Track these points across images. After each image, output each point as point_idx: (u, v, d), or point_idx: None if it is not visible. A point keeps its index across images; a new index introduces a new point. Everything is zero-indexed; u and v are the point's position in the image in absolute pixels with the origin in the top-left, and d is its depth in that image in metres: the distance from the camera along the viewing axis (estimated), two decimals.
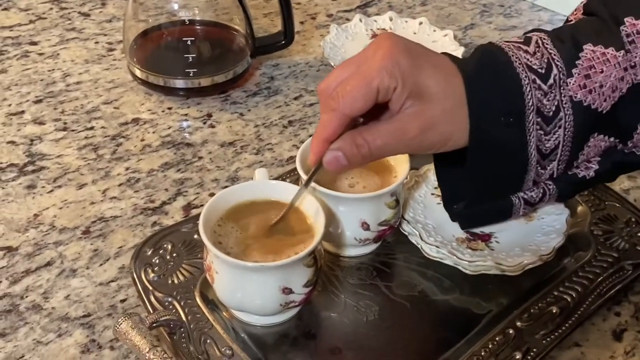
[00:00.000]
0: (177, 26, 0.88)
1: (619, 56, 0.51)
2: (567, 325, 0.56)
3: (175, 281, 0.59)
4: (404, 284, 0.61)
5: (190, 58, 0.84)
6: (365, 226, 0.59)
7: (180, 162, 0.76)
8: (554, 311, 0.57)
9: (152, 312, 0.55)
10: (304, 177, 0.58)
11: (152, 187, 0.72)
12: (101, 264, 0.63)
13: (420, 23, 0.97)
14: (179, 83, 0.85)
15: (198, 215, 0.55)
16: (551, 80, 0.50)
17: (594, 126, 0.52)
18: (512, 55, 0.51)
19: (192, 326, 0.55)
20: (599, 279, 0.59)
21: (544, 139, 0.51)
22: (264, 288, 0.53)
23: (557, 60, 0.51)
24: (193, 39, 0.85)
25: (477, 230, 0.63)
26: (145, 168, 0.75)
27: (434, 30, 0.96)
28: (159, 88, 0.86)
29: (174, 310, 0.56)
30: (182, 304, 0.57)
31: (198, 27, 0.89)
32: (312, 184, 0.57)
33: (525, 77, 0.50)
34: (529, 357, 0.53)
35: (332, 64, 0.89)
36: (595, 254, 0.61)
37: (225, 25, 0.90)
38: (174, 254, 0.61)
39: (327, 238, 0.61)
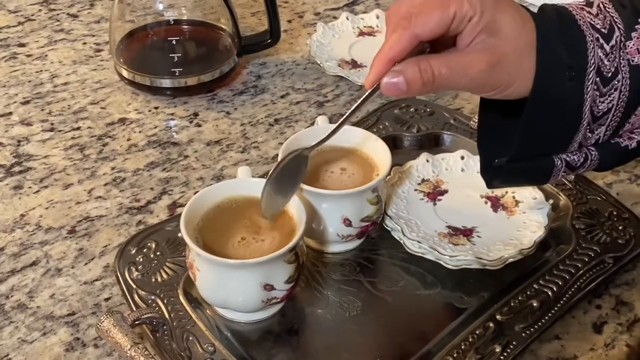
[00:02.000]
0: (163, 26, 0.88)
1: None
2: (546, 318, 0.56)
3: (159, 279, 0.59)
4: (387, 280, 0.61)
5: (176, 57, 0.84)
6: (348, 222, 0.59)
7: (166, 161, 0.76)
8: (534, 304, 0.57)
9: (135, 310, 0.56)
10: None
11: (137, 187, 0.73)
12: (86, 263, 0.64)
13: None
14: (166, 82, 0.86)
15: (182, 213, 0.55)
16: (613, 42, 0.50)
17: None
18: (577, 14, 0.50)
19: (174, 323, 0.56)
20: (580, 272, 0.60)
21: (599, 100, 0.50)
22: (246, 285, 0.54)
23: (619, 23, 0.50)
24: (178, 38, 0.86)
25: (459, 225, 0.64)
26: (131, 167, 0.75)
27: None
28: (146, 88, 0.87)
29: (157, 308, 0.57)
30: (165, 301, 0.57)
31: (184, 27, 0.89)
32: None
33: (590, 34, 0.50)
34: (508, 350, 0.54)
35: (319, 62, 0.89)
36: (577, 247, 0.62)
37: (211, 24, 0.90)
38: (158, 253, 0.61)
39: (310, 234, 0.62)
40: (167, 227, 0.64)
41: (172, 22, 0.87)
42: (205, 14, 0.90)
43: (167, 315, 0.56)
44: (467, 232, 0.63)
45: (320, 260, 0.63)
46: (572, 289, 0.58)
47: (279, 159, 0.59)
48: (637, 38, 0.50)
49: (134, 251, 0.61)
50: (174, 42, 0.85)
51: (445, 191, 0.67)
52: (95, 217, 0.69)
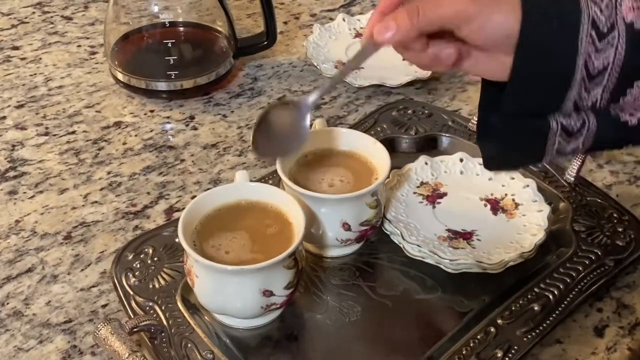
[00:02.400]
0: (158, 28, 0.87)
1: None
2: (548, 322, 0.56)
3: (157, 285, 0.59)
4: (387, 284, 0.61)
5: (172, 60, 0.84)
6: (347, 226, 0.59)
7: (162, 165, 0.76)
8: (535, 308, 0.57)
9: (132, 317, 0.55)
10: (284, 177, 0.58)
11: (133, 191, 0.72)
12: (82, 269, 0.63)
13: None
14: (161, 85, 0.85)
15: (177, 220, 0.54)
16: (607, 1, 0.50)
17: None
18: None
19: (173, 330, 0.55)
20: (581, 276, 0.59)
21: (594, 55, 0.50)
22: (244, 291, 0.53)
23: None
24: (174, 41, 0.85)
25: (459, 228, 0.63)
26: (127, 172, 0.75)
27: None
28: (141, 91, 0.86)
29: (154, 315, 0.56)
30: (163, 308, 0.57)
31: (179, 29, 0.88)
32: (293, 185, 0.57)
33: None
34: (510, 355, 0.53)
35: (315, 64, 0.89)
36: (577, 250, 0.61)
37: (207, 26, 0.89)
38: (155, 258, 0.61)
39: (309, 239, 0.61)
40: (164, 232, 0.63)
41: (168, 25, 0.87)
42: (201, 15, 0.89)
43: (165, 322, 0.56)
44: (467, 236, 0.62)
45: (319, 264, 0.62)
46: (573, 292, 0.58)
47: (277, 165, 0.59)
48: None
49: (130, 257, 0.61)
50: (169, 44, 0.85)
51: (445, 194, 0.67)
52: (91, 223, 0.68)
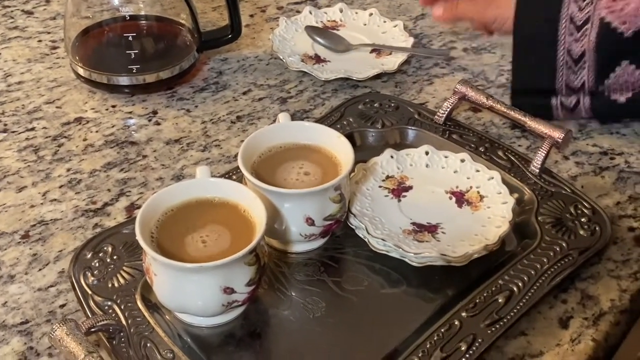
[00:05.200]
0: (119, 22, 0.85)
1: None
2: (512, 314, 0.55)
3: (116, 284, 0.57)
4: (352, 279, 0.60)
5: (133, 54, 0.82)
6: (310, 221, 0.58)
7: (123, 161, 0.74)
8: (500, 300, 0.56)
9: (90, 317, 0.53)
10: (246, 173, 0.57)
11: (94, 188, 0.70)
12: (40, 269, 0.61)
13: (371, 14, 0.97)
14: (123, 80, 0.83)
15: (137, 216, 0.53)
16: (588, 0, 0.66)
17: (621, 51, 0.66)
18: None
19: (132, 330, 0.54)
20: (545, 267, 0.59)
21: (574, 44, 0.66)
22: (205, 289, 0.52)
23: None
24: (135, 34, 0.83)
25: (424, 221, 0.63)
26: (87, 168, 0.73)
27: (384, 21, 0.96)
28: (103, 86, 0.84)
29: (113, 315, 0.55)
30: (122, 307, 0.55)
31: (141, 23, 0.86)
32: (255, 181, 0.57)
33: None
34: (474, 348, 0.53)
35: (282, 57, 0.88)
36: (541, 242, 0.61)
37: (170, 20, 0.88)
38: (115, 257, 0.59)
39: (273, 235, 0.60)
40: (124, 230, 0.62)
41: (129, 18, 0.85)
42: (164, 9, 0.88)
43: (124, 322, 0.54)
44: (432, 229, 0.62)
45: (283, 260, 0.61)
46: (538, 284, 0.58)
47: (239, 161, 0.58)
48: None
49: (89, 256, 0.59)
50: (130, 38, 0.83)
51: (410, 187, 0.66)
52: (50, 221, 0.67)
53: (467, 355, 0.53)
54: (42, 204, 0.69)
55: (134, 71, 0.83)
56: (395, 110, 0.76)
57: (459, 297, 0.58)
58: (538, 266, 0.59)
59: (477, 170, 0.66)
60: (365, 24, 0.96)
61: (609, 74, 0.67)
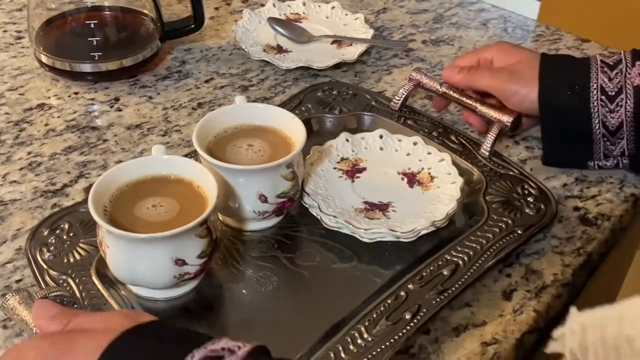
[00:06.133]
0: (83, 12, 0.87)
1: None
2: (457, 286, 0.57)
3: (71, 260, 0.58)
4: (305, 255, 0.62)
5: (95, 41, 0.83)
6: (263, 198, 0.60)
7: (84, 145, 0.75)
8: (445, 273, 0.58)
9: (43, 288, 0.54)
10: (200, 151, 0.59)
11: (53, 171, 0.71)
12: None
13: (333, 7, 0.98)
14: (86, 67, 0.84)
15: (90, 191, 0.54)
16: (617, 70, 0.65)
17: None
18: (590, 55, 0.68)
19: (86, 302, 0.55)
20: (490, 243, 0.61)
21: (610, 116, 0.65)
22: (156, 259, 0.53)
23: (627, 57, 0.66)
24: (97, 22, 0.84)
25: (376, 200, 0.64)
26: (48, 152, 0.74)
27: (346, 14, 0.98)
28: (66, 74, 0.85)
29: (68, 288, 0.56)
30: (77, 281, 0.56)
31: (104, 13, 0.88)
32: (208, 158, 0.58)
33: (595, 62, 0.66)
34: (418, 317, 0.55)
35: (244, 48, 0.89)
36: (489, 219, 0.63)
37: (132, 9, 0.89)
38: (71, 234, 0.60)
39: (227, 212, 0.62)
40: (81, 209, 0.63)
41: (92, 9, 0.86)
42: (129, 1, 0.89)
43: (78, 295, 0.55)
44: (383, 207, 0.64)
45: (238, 238, 0.63)
46: (483, 258, 0.60)
47: (193, 139, 0.59)
48: (639, 66, 0.65)
49: (46, 233, 0.60)
50: (92, 25, 0.84)
51: (364, 169, 0.68)
52: (9, 201, 0.67)
53: (412, 324, 0.54)
54: (1, 185, 0.69)
55: (96, 58, 0.84)
56: (353, 98, 0.78)
57: (407, 271, 0.59)
58: (483, 242, 0.61)
59: (429, 153, 0.68)
60: (327, 17, 0.98)
61: None
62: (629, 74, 0.65)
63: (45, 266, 0.57)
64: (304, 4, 0.99)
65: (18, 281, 0.59)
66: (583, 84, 0.65)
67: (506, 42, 0.75)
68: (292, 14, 0.98)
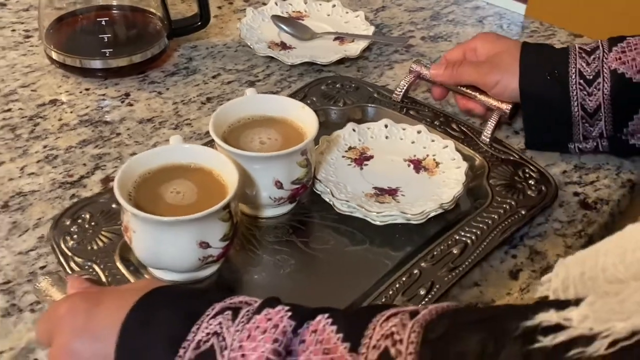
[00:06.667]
0: (92, 11, 0.89)
1: None
2: (467, 263, 0.60)
3: (95, 247, 0.60)
4: (319, 239, 0.64)
5: (106, 38, 0.85)
6: (279, 184, 0.62)
7: (98, 139, 0.78)
8: (455, 252, 0.61)
9: (72, 273, 0.57)
10: (217, 139, 0.61)
11: (70, 163, 0.73)
12: (20, 235, 0.64)
13: (334, 5, 1.01)
14: (96, 64, 0.86)
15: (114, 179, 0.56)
16: (594, 55, 0.68)
17: (638, 99, 0.67)
18: (569, 45, 0.71)
19: (112, 286, 0.57)
20: (496, 223, 0.64)
21: (587, 99, 0.67)
22: (181, 243, 0.55)
23: (603, 44, 0.68)
24: (108, 19, 0.87)
25: (385, 186, 0.67)
26: (64, 145, 0.76)
27: (347, 12, 1.00)
28: (77, 70, 0.87)
29: (94, 274, 0.58)
30: (102, 266, 0.59)
31: (113, 11, 0.90)
32: (225, 145, 0.60)
33: (573, 50, 0.69)
34: (432, 293, 0.58)
35: (249, 44, 0.92)
36: (493, 202, 0.66)
37: (140, 8, 0.91)
38: (93, 223, 0.62)
39: (244, 200, 0.64)
40: (101, 200, 0.65)
41: (101, 7, 0.88)
42: (135, 1, 0.91)
43: (104, 280, 0.58)
44: (392, 192, 0.67)
45: (254, 224, 0.65)
46: (490, 237, 0.63)
47: (210, 129, 0.62)
48: (617, 51, 0.67)
49: (68, 222, 0.62)
50: (103, 22, 0.87)
51: (371, 157, 0.71)
52: (29, 192, 0.69)
53: (427, 299, 0.57)
54: (20, 177, 0.71)
55: (107, 55, 0.86)
56: (356, 91, 0.81)
57: (418, 251, 0.62)
58: (489, 222, 0.64)
59: (433, 140, 0.71)
60: (328, 15, 1.01)
61: (627, 123, 0.68)
62: (606, 58, 0.67)
63: (69, 253, 0.60)
64: (305, 2, 1.02)
65: (42, 267, 0.61)
66: (562, 69, 0.68)
67: (489, 33, 0.79)
68: (294, 12, 1.01)
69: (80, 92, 0.85)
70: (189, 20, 0.93)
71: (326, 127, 0.76)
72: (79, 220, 0.63)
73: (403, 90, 0.77)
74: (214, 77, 0.89)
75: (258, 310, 0.42)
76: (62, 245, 0.60)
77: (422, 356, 0.36)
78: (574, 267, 0.36)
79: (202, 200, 0.58)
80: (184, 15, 0.99)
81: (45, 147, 0.76)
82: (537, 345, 0.32)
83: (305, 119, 0.65)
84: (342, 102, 0.80)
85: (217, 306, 0.43)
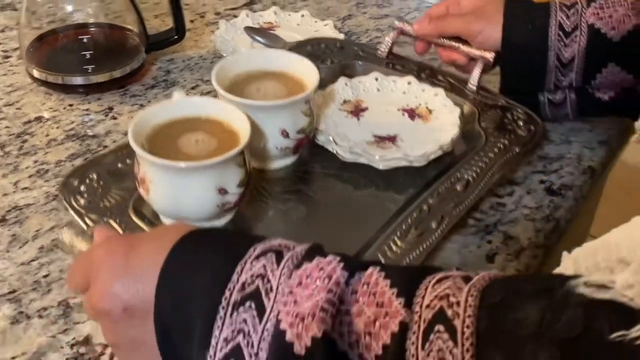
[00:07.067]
0: (72, 29, 0.91)
1: (630, 1, 0.70)
2: (471, 198, 0.63)
3: (107, 204, 0.60)
4: (325, 187, 0.66)
5: (87, 55, 0.87)
6: (285, 134, 0.64)
7: (86, 152, 0.77)
8: (458, 188, 0.64)
9: (92, 225, 0.56)
10: (222, 91, 0.62)
11: (61, 176, 0.72)
12: (20, 247, 0.63)
13: (302, 15, 1.06)
14: (78, 80, 0.88)
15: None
16: (574, 10, 0.72)
17: (609, 54, 0.70)
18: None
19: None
20: (494, 160, 0.67)
21: (564, 50, 0.71)
22: (201, 189, 0.56)
23: (582, 1, 0.72)
24: (88, 37, 0.89)
25: (384, 134, 0.70)
26: (53, 160, 0.76)
27: (315, 21, 1.05)
28: (59, 87, 0.88)
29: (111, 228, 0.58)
30: (117, 221, 0.58)
31: (92, 29, 0.92)
32: (231, 97, 0.62)
33: (554, 4, 0.72)
34: (443, 226, 0.60)
35: (225, 55, 0.95)
36: (487, 142, 0.69)
37: (118, 25, 0.94)
38: (101, 182, 0.62)
39: (251, 152, 0.65)
40: (105, 161, 0.65)
41: (81, 25, 0.90)
42: (111, 18, 0.94)
43: (122, 232, 0.57)
44: (392, 139, 0.69)
45: (262, 177, 0.66)
46: (490, 173, 0.65)
47: (214, 82, 0.63)
48: (595, 7, 0.71)
49: (76, 183, 0.62)
50: (84, 40, 0.88)
51: (366, 108, 0.73)
52: (24, 206, 0.69)
53: (438, 232, 0.59)
54: (14, 192, 0.71)
55: (88, 71, 0.88)
56: (341, 50, 0.84)
57: (423, 191, 0.64)
58: (487, 160, 0.67)
59: (423, 90, 0.74)
60: (298, 24, 1.05)
61: (596, 75, 0.72)
62: (584, 13, 0.72)
63: (83, 211, 0.59)
64: (275, 13, 1.06)
65: (45, 276, 0.60)
66: (543, 21, 0.72)
67: None
68: (264, 23, 1.05)
69: (64, 108, 0.86)
70: (165, 34, 0.96)
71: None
72: (87, 181, 0.63)
73: (388, 47, 0.81)
74: (192, 88, 0.91)
75: (308, 258, 0.41)
76: (74, 204, 0.60)
77: (479, 319, 0.36)
78: (584, 258, 0.37)
79: (217, 149, 0.58)
80: (158, 30, 1.02)
81: (35, 162, 0.76)
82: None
83: (305, 70, 0.67)
84: (329, 61, 0.82)
85: (259, 247, 0.43)
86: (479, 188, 0.64)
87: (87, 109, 0.86)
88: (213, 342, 0.39)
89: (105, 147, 0.78)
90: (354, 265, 0.41)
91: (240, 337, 0.39)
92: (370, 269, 0.40)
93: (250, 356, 0.39)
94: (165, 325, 0.42)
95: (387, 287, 0.38)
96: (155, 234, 0.47)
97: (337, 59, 0.83)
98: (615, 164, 0.84)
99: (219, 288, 0.40)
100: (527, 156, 0.69)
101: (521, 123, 0.72)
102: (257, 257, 0.41)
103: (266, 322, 0.39)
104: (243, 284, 0.40)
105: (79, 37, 0.89)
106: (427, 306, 0.37)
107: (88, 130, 0.82)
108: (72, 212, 0.59)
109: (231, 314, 0.39)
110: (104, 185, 0.62)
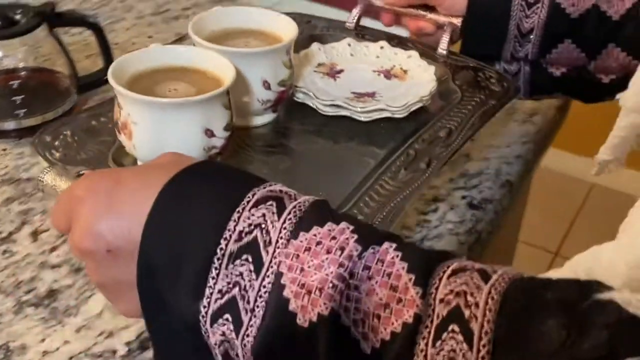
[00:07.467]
0: (2, 74, 0.85)
1: None
2: (456, 142, 0.64)
3: (84, 156, 0.57)
4: (308, 140, 0.65)
5: (18, 100, 0.82)
6: (267, 85, 0.62)
7: (22, 195, 0.73)
8: (441, 135, 0.64)
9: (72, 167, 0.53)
10: (201, 40, 0.60)
11: None
12: None
13: None
14: (10, 125, 0.83)
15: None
16: None
17: (566, 30, 0.71)
18: None
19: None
20: (471, 112, 0.68)
21: (524, 20, 0.72)
22: (187, 130, 0.54)
23: None
24: (19, 81, 0.84)
25: (362, 90, 0.69)
26: None
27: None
28: None
29: None
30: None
31: (21, 74, 0.87)
32: (212, 45, 0.60)
33: None
34: (431, 167, 0.60)
35: None
36: (464, 97, 0.70)
37: (47, 68, 0.89)
38: (76, 137, 0.60)
39: (233, 107, 0.63)
40: (77, 120, 0.63)
41: (10, 70, 0.85)
42: (41, 62, 0.89)
43: None
44: (370, 95, 0.69)
45: (244, 134, 0.65)
46: (471, 121, 0.66)
47: (191, 34, 0.61)
48: None
49: (49, 139, 0.59)
50: (14, 85, 0.84)
51: (341, 70, 0.73)
52: None
53: (428, 172, 0.59)
54: None
55: (20, 116, 0.83)
56: (308, 24, 0.83)
57: (407, 140, 0.64)
58: (465, 112, 0.68)
59: (396, 53, 0.74)
60: None
61: (551, 50, 0.73)
62: None
63: (60, 163, 0.56)
64: None
65: None
66: None
67: None
68: None
69: None
70: (96, 75, 0.91)
71: None
72: (61, 137, 0.60)
73: (355, 19, 0.81)
74: None
75: (319, 222, 0.38)
76: (50, 158, 0.56)
77: (499, 326, 0.34)
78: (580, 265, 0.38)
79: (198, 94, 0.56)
80: (89, 70, 0.97)
81: None
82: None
83: (282, 27, 0.66)
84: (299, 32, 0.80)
85: (258, 193, 0.40)
86: (463, 134, 0.64)
87: (20, 152, 0.81)
88: (207, 292, 0.38)
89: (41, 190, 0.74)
90: (368, 237, 0.38)
91: (236, 290, 0.37)
92: (385, 245, 0.38)
93: (246, 311, 0.37)
94: (150, 268, 0.39)
95: (404, 271, 0.36)
96: (142, 168, 0.44)
97: (306, 32, 0.82)
98: (534, 175, 0.87)
99: (214, 236, 0.38)
100: (502, 110, 0.70)
101: (494, 80, 0.73)
102: (256, 204, 0.39)
103: (263, 278, 0.37)
104: (240, 233, 0.38)
105: (9, 82, 0.84)
106: (442, 300, 0.35)
107: (23, 174, 0.77)
108: (49, 162, 0.55)
109: (227, 266, 0.38)
110: (79, 140, 0.59)
